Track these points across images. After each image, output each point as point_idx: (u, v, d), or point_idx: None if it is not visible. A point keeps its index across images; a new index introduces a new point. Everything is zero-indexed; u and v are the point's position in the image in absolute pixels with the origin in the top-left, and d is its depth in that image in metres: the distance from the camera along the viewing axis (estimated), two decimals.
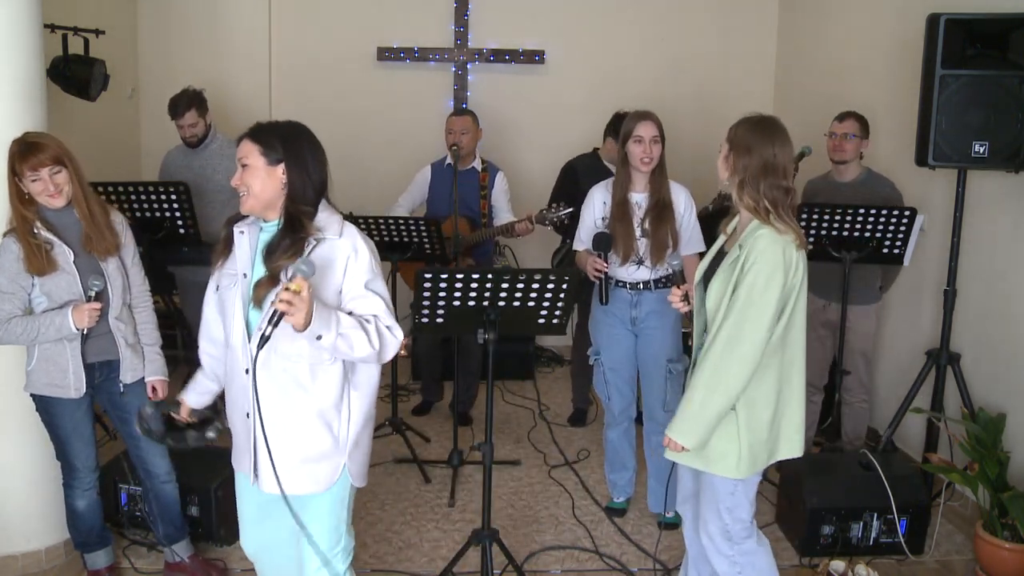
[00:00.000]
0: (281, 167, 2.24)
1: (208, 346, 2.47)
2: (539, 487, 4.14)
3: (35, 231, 2.80)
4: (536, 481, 4.20)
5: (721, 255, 2.61)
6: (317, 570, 2.38)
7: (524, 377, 5.61)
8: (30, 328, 2.77)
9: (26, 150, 2.77)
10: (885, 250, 3.88)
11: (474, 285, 2.81)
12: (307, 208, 2.26)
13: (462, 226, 4.53)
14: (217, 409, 2.51)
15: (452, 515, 3.82)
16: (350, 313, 2.24)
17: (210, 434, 2.49)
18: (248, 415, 2.29)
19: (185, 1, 5.90)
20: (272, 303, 2.06)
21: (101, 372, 2.96)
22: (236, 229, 2.32)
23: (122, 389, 2.98)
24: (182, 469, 3.24)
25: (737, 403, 2.49)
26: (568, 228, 4.49)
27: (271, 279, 2.21)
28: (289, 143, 2.25)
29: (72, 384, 2.88)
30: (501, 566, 3.20)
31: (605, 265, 3.49)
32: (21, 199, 2.81)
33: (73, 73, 4.35)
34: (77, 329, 2.77)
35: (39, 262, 2.77)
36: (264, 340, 2.08)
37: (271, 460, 2.21)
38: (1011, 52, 3.41)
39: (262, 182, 2.23)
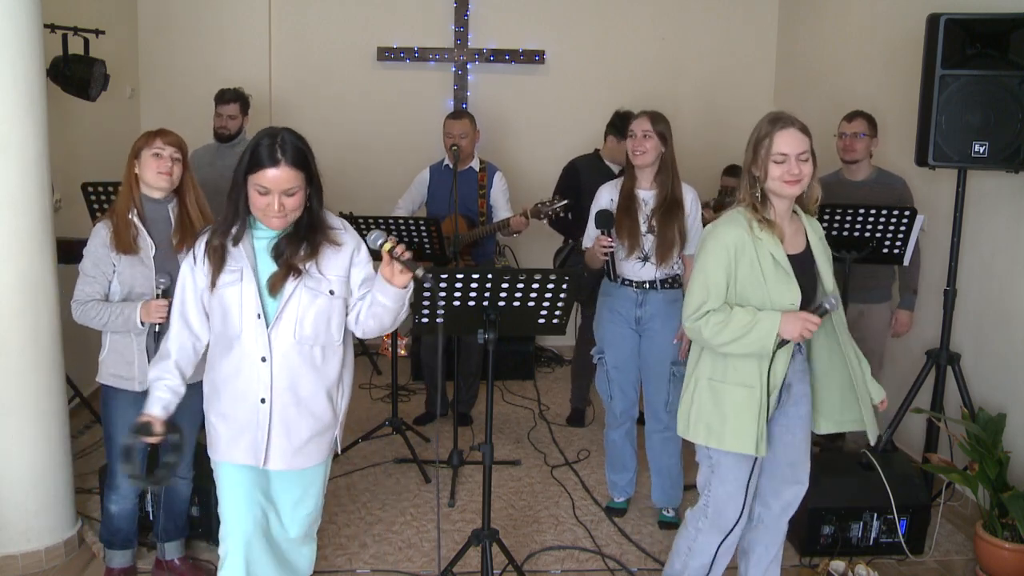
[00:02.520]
0: (308, 185, 2.35)
1: (184, 353, 2.48)
2: (539, 487, 4.14)
3: (130, 215, 2.92)
4: (536, 481, 4.20)
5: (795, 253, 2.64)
6: (307, 534, 2.63)
7: (524, 377, 5.61)
8: (103, 314, 2.88)
9: (158, 130, 2.98)
10: (885, 250, 3.88)
11: (474, 285, 2.81)
12: (323, 215, 2.42)
13: (460, 226, 4.53)
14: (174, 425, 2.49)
15: (452, 515, 3.82)
16: (359, 299, 2.47)
17: (175, 436, 2.46)
18: (264, 400, 2.39)
19: (185, 1, 5.90)
20: (396, 260, 2.27)
21: None
22: (228, 235, 2.40)
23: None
24: None
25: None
26: (568, 226, 4.49)
27: (289, 270, 2.36)
28: (311, 157, 2.35)
29: (136, 377, 2.93)
30: (501, 566, 3.20)
31: (611, 240, 3.49)
32: (130, 182, 2.94)
33: (73, 73, 4.35)
34: (142, 324, 2.85)
35: (126, 241, 2.88)
36: (420, 284, 2.44)
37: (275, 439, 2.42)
38: (1011, 52, 3.41)
39: (301, 204, 2.34)
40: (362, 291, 2.46)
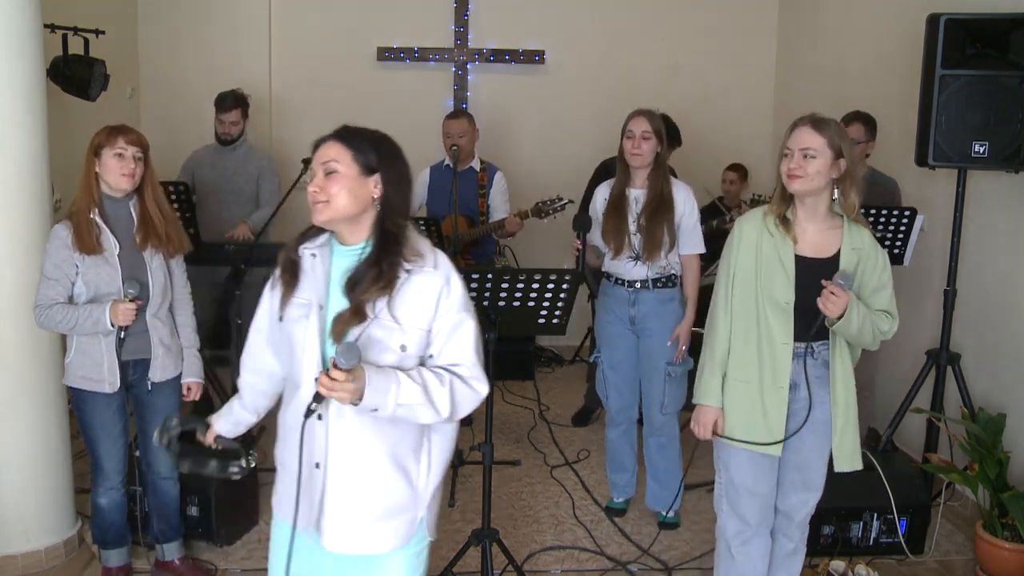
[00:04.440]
0: (375, 178, 1.95)
1: (253, 377, 2.16)
2: (539, 487, 4.14)
3: (92, 214, 2.86)
4: (536, 481, 4.20)
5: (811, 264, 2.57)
6: None
7: (524, 377, 5.60)
8: (69, 317, 2.82)
9: (119, 128, 2.88)
10: (885, 250, 3.87)
11: (474, 285, 2.81)
12: (402, 229, 1.96)
13: (460, 225, 4.53)
14: (247, 442, 2.26)
15: (452, 515, 3.82)
16: (430, 357, 1.98)
17: (233, 470, 2.22)
18: (319, 465, 1.97)
19: (185, 1, 5.90)
20: (316, 378, 1.85)
21: (135, 370, 2.99)
22: (306, 251, 2.00)
23: (150, 387, 3.00)
24: None
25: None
26: None
27: (356, 313, 1.91)
28: (384, 151, 2.00)
29: (107, 378, 2.91)
30: (501, 566, 3.19)
31: (579, 244, 3.49)
32: (90, 178, 2.88)
33: (73, 73, 4.35)
34: (112, 326, 2.81)
35: (90, 241, 2.83)
36: (309, 414, 1.88)
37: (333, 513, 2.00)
38: (1011, 52, 3.41)
39: (350, 194, 1.92)
40: (435, 350, 1.96)
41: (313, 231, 2.02)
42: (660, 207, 3.51)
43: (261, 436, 4.47)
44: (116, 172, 2.84)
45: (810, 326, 2.54)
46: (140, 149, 2.88)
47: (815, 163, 2.49)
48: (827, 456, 2.68)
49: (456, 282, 1.97)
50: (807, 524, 2.81)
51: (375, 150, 1.98)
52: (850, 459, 2.66)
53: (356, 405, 1.84)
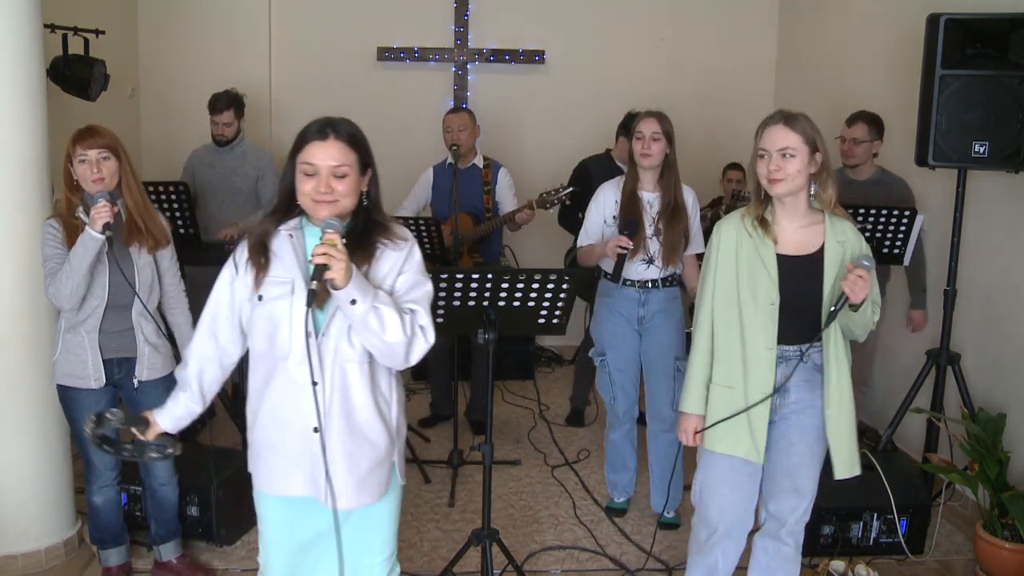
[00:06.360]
0: (368, 175, 2.15)
1: (203, 364, 2.23)
2: (539, 487, 4.14)
3: (77, 214, 2.88)
4: (536, 481, 4.20)
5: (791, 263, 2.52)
6: None
7: (524, 377, 5.61)
8: (67, 268, 2.79)
9: (82, 132, 2.88)
10: (885, 250, 3.88)
11: (474, 285, 2.81)
12: (385, 217, 2.19)
13: (466, 223, 4.53)
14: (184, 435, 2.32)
15: (452, 515, 3.82)
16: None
17: (153, 455, 2.28)
18: (315, 430, 2.08)
19: (185, 1, 5.90)
20: (310, 261, 1.98)
21: (120, 368, 2.99)
22: (284, 231, 2.14)
23: (136, 385, 3.00)
24: (183, 469, 3.24)
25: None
26: (579, 225, 4.47)
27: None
28: (367, 146, 2.15)
29: (92, 375, 2.91)
30: (501, 566, 3.20)
31: (630, 243, 3.41)
32: (70, 185, 2.90)
33: (73, 73, 4.35)
34: (100, 233, 2.75)
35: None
36: (312, 296, 1.97)
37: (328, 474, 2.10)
38: (1011, 52, 3.41)
39: (354, 192, 2.10)
40: (403, 299, 2.12)
41: (284, 214, 2.16)
42: (676, 213, 3.53)
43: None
44: (87, 179, 2.85)
45: (803, 326, 2.49)
46: (104, 149, 2.86)
47: (794, 162, 2.43)
48: (819, 462, 2.61)
49: (417, 251, 2.19)
50: (802, 530, 2.73)
51: (366, 147, 2.14)
52: (849, 465, 2.57)
53: (339, 289, 1.97)
